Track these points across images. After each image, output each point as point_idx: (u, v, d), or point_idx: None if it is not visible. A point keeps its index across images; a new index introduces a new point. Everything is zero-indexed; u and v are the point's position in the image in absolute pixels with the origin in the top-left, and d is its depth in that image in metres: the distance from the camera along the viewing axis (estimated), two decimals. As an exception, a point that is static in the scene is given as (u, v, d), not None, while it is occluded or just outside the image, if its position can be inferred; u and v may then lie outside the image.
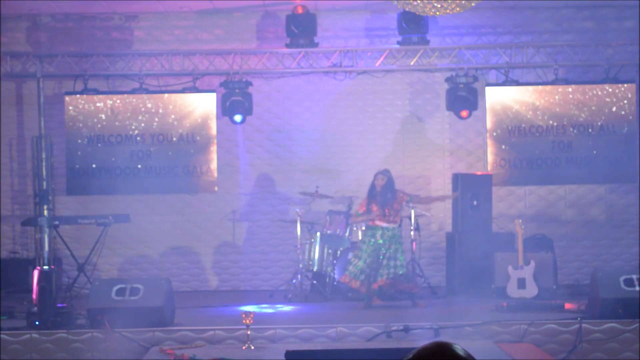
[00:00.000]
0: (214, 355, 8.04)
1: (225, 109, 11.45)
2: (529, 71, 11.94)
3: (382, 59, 11.64)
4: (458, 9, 8.04)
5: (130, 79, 11.63)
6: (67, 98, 11.63)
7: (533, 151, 11.70)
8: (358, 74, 12.03)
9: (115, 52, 11.81)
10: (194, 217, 12.47)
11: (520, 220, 10.88)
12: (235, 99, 11.43)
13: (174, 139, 11.70)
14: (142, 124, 11.68)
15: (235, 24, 12.46)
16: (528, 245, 10.90)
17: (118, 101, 11.69)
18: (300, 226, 11.29)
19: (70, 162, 11.67)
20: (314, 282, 11.21)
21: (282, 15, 11.63)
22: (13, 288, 11.38)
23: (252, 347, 8.32)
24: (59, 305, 9.19)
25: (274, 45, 12.05)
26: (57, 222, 11.01)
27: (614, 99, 11.62)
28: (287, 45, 11.55)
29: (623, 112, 11.62)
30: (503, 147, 11.72)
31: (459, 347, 2.34)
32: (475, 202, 11.45)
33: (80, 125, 11.63)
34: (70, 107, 11.61)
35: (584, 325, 8.75)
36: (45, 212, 10.99)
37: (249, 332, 8.33)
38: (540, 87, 11.72)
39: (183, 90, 11.70)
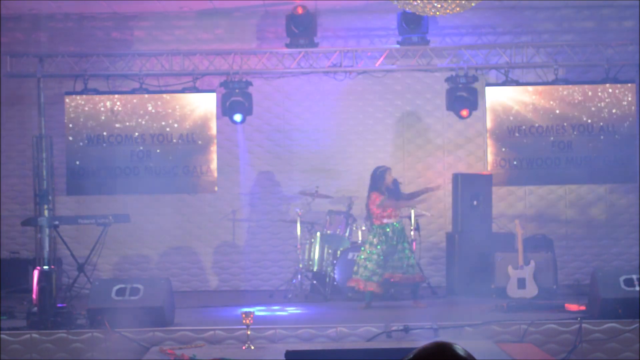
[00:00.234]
0: (214, 355, 8.04)
1: (225, 109, 11.45)
2: (529, 71, 11.93)
3: (382, 59, 11.64)
4: (458, 9, 8.04)
5: (130, 79, 11.63)
6: (67, 98, 11.62)
7: (533, 151, 11.69)
8: (358, 74, 12.03)
9: (115, 52, 11.81)
10: (194, 217, 12.47)
11: (517, 221, 10.88)
12: (235, 99, 11.42)
13: (174, 139, 11.70)
14: (142, 124, 11.67)
15: (235, 24, 12.46)
16: (528, 245, 10.90)
17: (118, 101, 11.69)
18: (300, 226, 11.29)
19: (70, 162, 11.67)
20: (314, 282, 11.21)
21: (282, 15, 11.63)
22: (13, 288, 11.38)
23: (252, 347, 8.32)
24: (59, 305, 9.19)
25: (274, 45, 12.05)
26: (57, 222, 11.00)
27: (614, 99, 11.62)
28: (287, 45, 11.54)
29: (623, 112, 11.62)
30: (503, 147, 11.72)
31: (459, 347, 2.34)
32: (475, 202, 11.45)
33: (80, 125, 11.63)
34: (70, 107, 11.61)
35: (584, 325, 8.75)
36: (45, 212, 10.98)
37: (249, 332, 8.33)
38: (540, 87, 11.71)
39: (183, 90, 11.69)
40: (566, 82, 11.72)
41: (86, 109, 11.62)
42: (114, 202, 11.98)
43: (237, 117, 11.42)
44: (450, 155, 12.56)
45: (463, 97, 11.38)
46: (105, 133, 11.65)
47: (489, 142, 11.78)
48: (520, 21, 12.44)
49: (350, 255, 10.83)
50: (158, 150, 11.69)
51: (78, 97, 11.60)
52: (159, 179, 11.68)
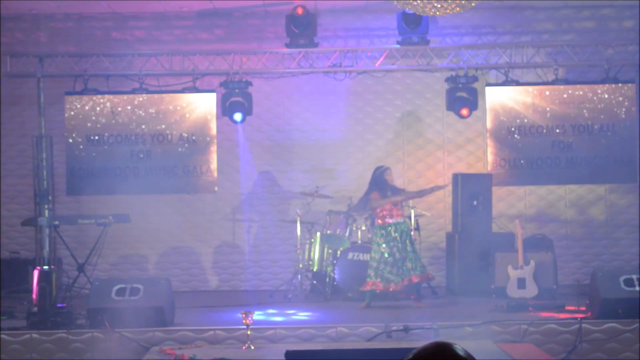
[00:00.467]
0: (214, 355, 8.04)
1: (225, 109, 11.45)
2: (529, 71, 11.93)
3: (382, 59, 11.63)
4: (458, 9, 8.04)
5: (130, 79, 11.62)
6: (67, 98, 11.62)
7: (533, 151, 11.69)
8: (358, 74, 12.02)
9: (115, 52, 11.81)
10: (194, 217, 12.47)
11: (517, 221, 10.88)
12: (235, 99, 11.42)
13: (174, 139, 11.69)
14: (142, 124, 11.67)
15: (235, 24, 12.46)
16: (528, 245, 10.89)
17: (118, 101, 11.68)
18: (300, 226, 11.29)
19: (70, 162, 11.66)
20: (314, 282, 11.21)
21: (282, 15, 11.63)
22: (13, 288, 11.38)
23: (252, 347, 8.32)
24: (59, 305, 9.19)
25: (274, 45, 12.05)
26: (57, 222, 11.00)
27: (614, 99, 11.61)
28: (287, 45, 11.54)
29: (623, 112, 11.61)
30: (503, 147, 11.71)
31: (459, 347, 2.34)
32: (475, 202, 11.45)
33: (80, 125, 11.62)
34: (70, 107, 11.60)
35: (584, 325, 8.76)
36: (46, 212, 10.99)
37: (249, 332, 8.33)
38: (540, 87, 11.71)
39: (183, 90, 11.69)
40: (566, 82, 11.71)
41: (86, 109, 11.62)
42: (114, 202, 11.97)
43: (237, 117, 11.42)
44: (450, 155, 12.56)
45: (463, 97, 11.38)
46: (105, 133, 11.64)
47: (489, 142, 11.78)
48: (520, 21, 12.44)
49: (350, 255, 10.83)
50: (158, 150, 11.68)
51: (78, 97, 11.59)
52: (159, 179, 11.67)
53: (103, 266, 11.94)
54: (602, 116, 11.63)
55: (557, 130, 11.68)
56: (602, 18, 12.44)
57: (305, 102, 12.53)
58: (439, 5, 7.92)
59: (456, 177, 11.69)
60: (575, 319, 8.90)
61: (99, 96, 11.64)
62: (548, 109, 11.67)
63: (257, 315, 9.16)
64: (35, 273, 9.39)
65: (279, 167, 12.52)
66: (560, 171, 11.70)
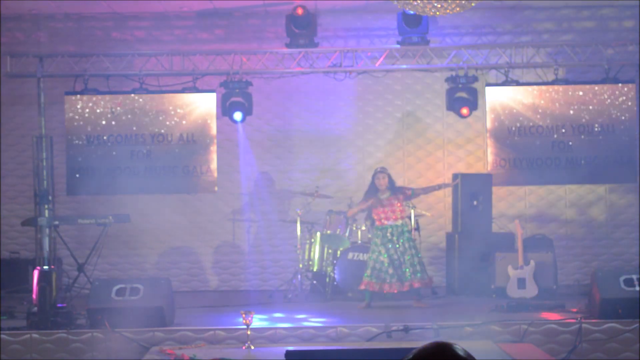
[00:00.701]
0: (214, 355, 8.03)
1: (225, 109, 11.45)
2: (529, 71, 11.93)
3: (382, 59, 11.63)
4: (458, 9, 8.04)
5: (130, 79, 11.62)
6: (67, 98, 11.62)
7: (533, 151, 11.68)
8: (358, 74, 12.02)
9: (115, 52, 11.81)
10: (194, 217, 12.47)
11: (517, 221, 10.88)
12: (235, 99, 11.43)
13: (174, 139, 11.69)
14: (142, 124, 11.66)
15: (235, 24, 12.46)
16: (528, 245, 10.89)
17: (118, 101, 11.68)
18: (300, 226, 11.29)
19: (70, 162, 11.66)
20: (314, 282, 11.21)
21: (282, 15, 11.63)
22: (13, 288, 11.39)
23: (252, 347, 8.32)
24: (59, 305, 9.19)
25: (274, 45, 12.05)
26: (57, 222, 11.00)
27: (614, 99, 11.61)
28: (287, 45, 11.54)
29: (623, 112, 11.61)
30: (503, 147, 11.71)
31: (459, 347, 2.34)
32: (475, 202, 11.45)
33: (80, 125, 11.62)
34: (70, 107, 11.60)
35: (584, 325, 8.75)
36: (46, 212, 10.99)
37: (249, 332, 8.33)
38: (540, 87, 11.71)
39: (183, 90, 11.69)
40: (566, 82, 11.71)
41: (86, 108, 11.62)
42: (114, 202, 11.98)
43: (237, 116, 11.42)
44: (450, 155, 12.57)
45: (463, 97, 11.38)
46: (105, 133, 11.64)
47: (489, 142, 11.78)
48: (520, 21, 12.44)
49: (350, 255, 10.83)
50: (158, 150, 11.68)
51: (78, 97, 11.59)
52: (159, 179, 11.66)
53: (103, 266, 11.94)
54: (602, 116, 11.63)
55: (557, 130, 11.68)
56: (602, 18, 12.44)
57: (305, 102, 12.53)
58: (439, 5, 7.92)
59: (456, 177, 11.69)
60: (575, 319, 8.90)
61: (99, 96, 11.64)
62: (548, 109, 11.67)
63: (258, 317, 9.17)
64: (35, 273, 9.39)
65: (279, 167, 12.52)
66: (560, 171, 11.70)
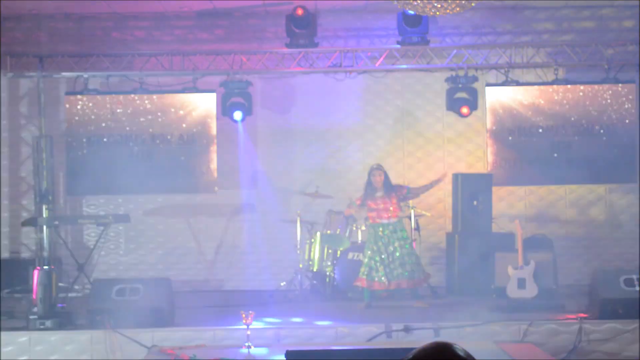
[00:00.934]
0: (214, 355, 8.03)
1: (225, 109, 11.45)
2: (529, 71, 11.92)
3: (382, 59, 11.63)
4: (458, 9, 8.04)
5: (130, 79, 11.62)
6: (67, 98, 11.62)
7: (533, 151, 11.68)
8: (358, 74, 12.02)
9: (115, 52, 11.80)
10: (194, 217, 12.47)
11: (517, 221, 10.88)
12: (235, 99, 11.43)
13: (174, 139, 11.69)
14: (142, 124, 11.66)
15: (235, 24, 12.46)
16: (528, 245, 10.88)
17: (118, 101, 11.68)
18: (300, 226, 11.29)
19: (70, 162, 11.66)
20: (314, 282, 11.20)
21: (282, 15, 11.62)
22: (13, 288, 11.38)
23: (252, 347, 8.31)
24: (59, 305, 9.20)
25: (274, 45, 12.04)
26: (57, 222, 11.00)
27: (614, 99, 11.61)
28: (287, 45, 11.54)
29: (623, 112, 11.61)
30: (503, 147, 11.71)
31: (459, 347, 2.34)
32: (475, 202, 11.45)
33: (80, 125, 11.62)
34: (70, 107, 11.60)
35: (584, 325, 8.75)
36: (46, 212, 10.99)
37: (249, 332, 8.33)
38: (540, 87, 11.70)
39: (183, 90, 11.69)
40: (566, 82, 11.71)
41: (86, 109, 11.62)
42: (114, 202, 11.97)
43: (237, 115, 11.42)
44: (450, 155, 12.57)
45: (463, 97, 11.38)
46: (105, 133, 11.64)
47: (489, 142, 11.77)
48: (520, 21, 12.43)
49: (350, 255, 10.83)
50: (158, 150, 11.67)
51: (78, 97, 11.59)
52: (159, 179, 11.66)
53: (103, 266, 11.94)
54: (602, 116, 11.62)
55: (557, 130, 11.68)
56: (602, 18, 12.44)
57: (305, 102, 12.53)
58: (439, 5, 7.92)
59: (456, 177, 11.69)
60: (575, 318, 8.90)
61: (99, 96, 11.64)
62: (548, 109, 11.67)
63: (258, 317, 9.17)
64: (35, 273, 9.39)
65: (279, 167, 12.52)
66: (560, 171, 11.69)
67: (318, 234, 11.13)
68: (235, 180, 12.44)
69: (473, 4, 8.15)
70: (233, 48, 11.92)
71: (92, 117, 11.63)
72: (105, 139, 11.64)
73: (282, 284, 11.55)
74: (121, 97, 11.67)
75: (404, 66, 11.71)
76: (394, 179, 10.77)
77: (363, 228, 11.08)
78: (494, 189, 11.73)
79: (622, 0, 12.00)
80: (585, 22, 12.44)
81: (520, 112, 11.68)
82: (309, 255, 11.18)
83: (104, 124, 11.65)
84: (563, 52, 11.71)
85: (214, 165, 11.70)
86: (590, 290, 9.43)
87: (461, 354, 2.32)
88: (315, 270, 11.16)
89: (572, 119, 11.65)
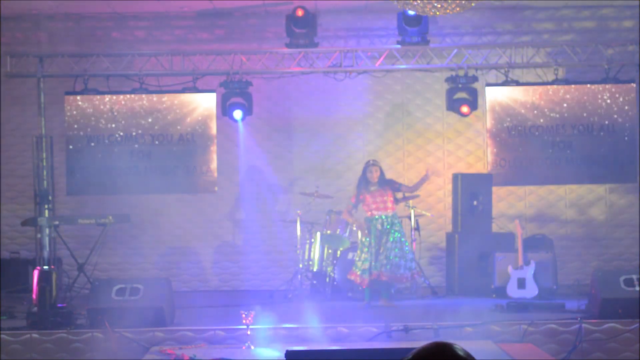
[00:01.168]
0: (214, 355, 8.04)
1: (225, 109, 11.45)
2: (529, 71, 11.93)
3: (382, 59, 11.63)
4: (458, 9, 8.04)
5: (130, 79, 11.62)
6: (67, 98, 11.62)
7: (533, 151, 11.68)
8: (358, 74, 12.02)
9: (115, 52, 11.81)
10: (194, 217, 12.47)
11: (517, 221, 10.89)
12: (235, 99, 11.43)
13: (174, 139, 11.69)
14: (142, 124, 11.67)
15: (235, 24, 12.47)
16: (528, 245, 10.90)
17: (118, 101, 11.69)
18: (300, 226, 11.29)
19: (70, 162, 11.66)
20: (314, 282, 11.20)
21: (282, 15, 11.63)
22: (13, 288, 11.39)
23: (252, 347, 8.32)
24: (59, 305, 9.20)
25: (274, 45, 12.05)
26: (57, 222, 11.00)
27: (614, 99, 11.61)
28: (287, 45, 11.54)
29: (623, 112, 11.61)
30: (503, 147, 11.71)
31: (459, 347, 2.34)
32: (475, 202, 11.45)
33: (80, 125, 11.62)
34: (70, 107, 11.60)
35: (584, 325, 8.75)
36: (46, 212, 10.99)
37: (249, 332, 8.33)
38: (540, 87, 11.70)
39: (183, 90, 11.69)
40: (566, 82, 11.71)
41: (86, 109, 11.62)
42: (114, 202, 11.98)
43: (237, 114, 11.42)
44: (450, 155, 12.57)
45: (463, 97, 11.38)
46: (105, 133, 11.64)
47: (489, 142, 11.78)
48: (520, 21, 12.44)
49: (350, 255, 10.83)
50: (158, 150, 11.68)
51: (78, 97, 11.59)
52: (159, 179, 11.66)
53: (103, 266, 11.94)
54: (602, 116, 11.62)
55: (557, 130, 11.68)
56: (602, 18, 12.44)
57: (305, 102, 12.53)
58: (439, 5, 7.92)
59: (456, 177, 11.70)
60: (575, 319, 8.90)
61: (99, 96, 11.64)
62: (548, 109, 11.67)
63: (258, 317, 9.16)
64: (35, 273, 9.39)
65: (279, 167, 12.52)
66: (560, 171, 11.69)
67: (318, 234, 11.13)
68: (235, 180, 12.44)
69: (473, 4, 8.15)
70: (233, 48, 11.92)
71: (92, 117, 11.63)
72: (105, 139, 11.64)
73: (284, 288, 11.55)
74: (121, 97, 11.67)
75: (404, 66, 11.71)
76: (394, 179, 10.81)
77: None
78: (494, 189, 11.73)
79: (622, 0, 12.00)
80: (585, 22, 12.44)
81: (520, 112, 11.68)
82: (309, 255, 11.19)
83: (103, 124, 11.65)
84: (563, 52, 11.71)
85: (214, 165, 11.70)
86: (590, 290, 9.42)
87: (461, 354, 2.32)
88: (315, 270, 11.17)
89: (572, 119, 11.65)
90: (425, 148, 12.57)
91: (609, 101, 11.62)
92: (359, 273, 10.09)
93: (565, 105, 11.66)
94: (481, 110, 11.72)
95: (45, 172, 11.15)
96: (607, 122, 11.63)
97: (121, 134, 11.66)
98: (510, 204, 12.47)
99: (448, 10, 8.02)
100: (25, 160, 12.19)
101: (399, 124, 12.63)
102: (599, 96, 11.62)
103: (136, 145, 11.65)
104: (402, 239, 10.09)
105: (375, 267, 10.01)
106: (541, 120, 11.67)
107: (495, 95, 11.74)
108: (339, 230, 11.12)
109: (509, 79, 11.66)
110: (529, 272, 10.40)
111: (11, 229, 12.36)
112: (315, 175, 12.34)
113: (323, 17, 12.10)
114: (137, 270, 12.30)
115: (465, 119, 11.88)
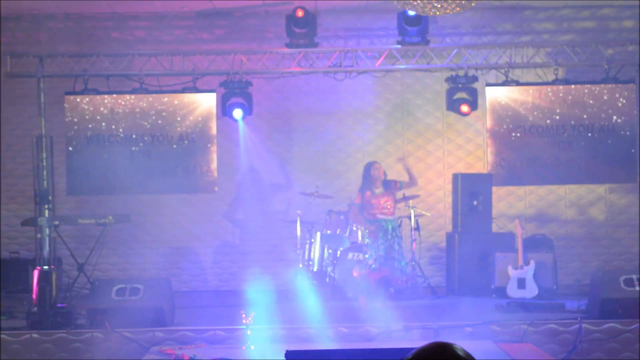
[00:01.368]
0: (214, 355, 8.04)
1: (225, 109, 11.46)
2: (529, 71, 11.93)
3: (382, 59, 11.63)
4: (458, 9, 8.04)
5: (130, 79, 11.61)
6: (67, 98, 11.62)
7: (533, 151, 11.68)
8: (358, 74, 12.01)
9: (115, 52, 11.81)
10: (194, 217, 12.47)
11: (517, 221, 10.89)
12: (235, 99, 11.43)
13: (174, 139, 11.69)
14: (142, 124, 11.66)
15: (235, 24, 12.46)
16: (528, 245, 10.89)
17: (118, 101, 11.69)
18: (300, 226, 11.28)
19: (70, 162, 11.66)
20: (314, 282, 11.20)
21: (282, 15, 11.62)
22: (13, 288, 11.39)
23: (252, 347, 8.32)
24: (59, 305, 9.20)
25: (274, 45, 12.05)
26: (57, 222, 11.00)
27: (614, 99, 11.61)
28: (287, 45, 11.54)
29: (623, 112, 11.60)
30: (503, 147, 11.70)
31: (459, 347, 2.34)
32: (475, 202, 11.45)
33: (80, 125, 11.61)
34: (70, 107, 11.60)
35: (584, 325, 8.75)
36: (46, 212, 10.99)
37: (249, 332, 8.33)
38: (540, 87, 11.70)
39: (183, 90, 11.69)
40: (566, 82, 11.71)
41: (86, 109, 11.62)
42: (114, 202, 11.97)
43: (237, 113, 11.42)
44: (450, 155, 12.56)
45: (463, 97, 11.38)
46: (105, 133, 11.64)
47: (489, 142, 11.77)
48: (520, 21, 12.44)
49: (350, 255, 10.83)
50: (158, 150, 11.67)
51: (78, 97, 11.59)
52: (159, 178, 11.66)
53: (103, 266, 11.93)
54: (602, 116, 11.62)
55: (557, 130, 11.67)
56: (602, 18, 12.44)
57: (305, 102, 12.53)
58: (439, 5, 7.92)
59: (456, 177, 11.69)
60: (575, 319, 8.90)
61: (99, 96, 11.63)
62: (548, 109, 11.67)
63: (258, 317, 9.16)
64: (35, 273, 9.39)
65: (279, 167, 12.52)
66: (560, 171, 11.69)
67: (318, 234, 11.13)
68: (235, 180, 12.44)
69: (473, 4, 8.15)
70: (233, 48, 11.92)
71: (92, 117, 11.63)
72: (105, 139, 11.64)
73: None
74: (121, 97, 11.67)
75: (404, 66, 11.71)
76: (395, 179, 10.89)
77: (363, 228, 11.08)
78: (494, 189, 11.73)
79: (622, 0, 12.00)
80: (585, 22, 12.44)
81: (520, 112, 11.68)
82: (309, 255, 11.18)
83: (104, 124, 11.65)
84: (563, 52, 11.70)
85: (214, 165, 11.69)
86: (590, 290, 9.42)
87: (461, 354, 2.32)
88: (315, 270, 11.16)
89: (572, 118, 11.64)
90: (425, 148, 12.56)
91: (609, 101, 11.62)
92: (359, 271, 10.16)
93: (565, 105, 11.66)
94: (481, 110, 11.72)
95: (45, 172, 11.15)
96: (607, 122, 11.62)
97: (121, 133, 11.65)
98: (510, 204, 12.47)
99: (448, 10, 8.02)
100: (25, 160, 12.19)
101: (399, 124, 12.62)
102: (599, 96, 11.62)
103: (136, 146, 11.65)
104: (400, 243, 10.21)
105: (370, 267, 10.07)
106: (541, 120, 11.67)
107: (495, 95, 11.74)
108: (339, 230, 11.11)
109: (509, 79, 11.65)
110: (529, 272, 10.40)
111: (11, 229, 12.35)
112: (315, 175, 12.33)
113: (323, 17, 12.10)
114: (137, 270, 12.29)
115: (465, 119, 11.88)
